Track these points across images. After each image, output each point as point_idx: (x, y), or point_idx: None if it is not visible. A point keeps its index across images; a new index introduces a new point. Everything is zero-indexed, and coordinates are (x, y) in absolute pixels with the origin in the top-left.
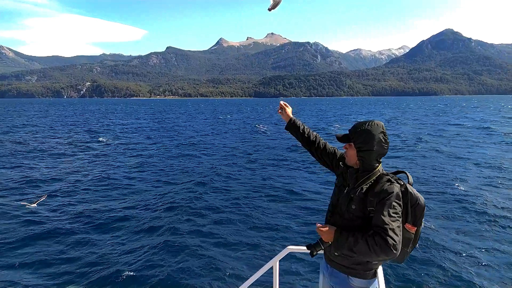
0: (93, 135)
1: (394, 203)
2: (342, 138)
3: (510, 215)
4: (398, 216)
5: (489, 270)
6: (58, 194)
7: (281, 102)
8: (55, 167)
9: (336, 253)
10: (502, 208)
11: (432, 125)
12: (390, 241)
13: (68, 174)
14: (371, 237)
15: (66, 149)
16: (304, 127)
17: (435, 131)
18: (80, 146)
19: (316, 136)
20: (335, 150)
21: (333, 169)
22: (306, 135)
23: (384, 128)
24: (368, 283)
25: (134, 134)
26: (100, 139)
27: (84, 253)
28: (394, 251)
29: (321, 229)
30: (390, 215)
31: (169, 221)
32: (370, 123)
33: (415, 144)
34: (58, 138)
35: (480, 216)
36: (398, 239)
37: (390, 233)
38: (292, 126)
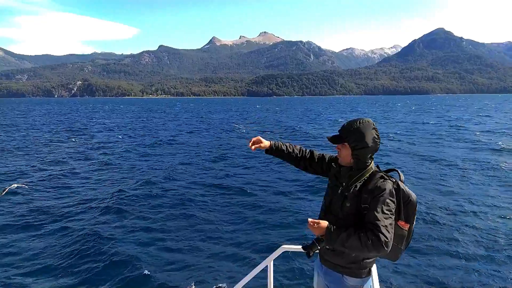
0: (68, 134)
1: (387, 200)
2: (334, 139)
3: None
4: (391, 214)
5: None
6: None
7: (252, 141)
8: (15, 165)
9: (327, 247)
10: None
11: (407, 124)
12: (382, 238)
13: (23, 173)
14: (364, 233)
15: (34, 148)
16: (286, 147)
17: (407, 130)
18: (49, 145)
19: (300, 150)
20: (323, 154)
21: (325, 173)
22: (292, 154)
23: (374, 124)
24: (363, 281)
25: (109, 133)
26: (73, 139)
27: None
28: (386, 248)
29: (314, 226)
30: (383, 212)
31: (156, 218)
32: (361, 120)
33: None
34: (31, 136)
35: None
36: (390, 236)
37: (383, 230)
38: (274, 151)
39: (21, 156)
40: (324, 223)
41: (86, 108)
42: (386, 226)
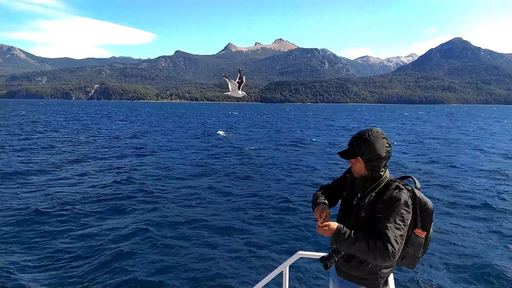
0: (28, 134)
1: (402, 211)
2: (347, 155)
3: None
4: (404, 225)
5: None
6: None
7: (321, 217)
8: None
9: (334, 246)
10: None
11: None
12: (390, 248)
13: None
14: (373, 239)
15: None
16: (325, 200)
17: None
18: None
19: (325, 194)
20: (335, 180)
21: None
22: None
23: (383, 133)
24: None
25: (77, 134)
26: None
27: None
28: (392, 259)
29: (324, 228)
30: (396, 223)
31: (167, 223)
32: (370, 132)
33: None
34: None
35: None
36: (398, 247)
37: (392, 240)
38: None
39: None
40: (334, 224)
41: (84, 109)
42: (396, 237)
